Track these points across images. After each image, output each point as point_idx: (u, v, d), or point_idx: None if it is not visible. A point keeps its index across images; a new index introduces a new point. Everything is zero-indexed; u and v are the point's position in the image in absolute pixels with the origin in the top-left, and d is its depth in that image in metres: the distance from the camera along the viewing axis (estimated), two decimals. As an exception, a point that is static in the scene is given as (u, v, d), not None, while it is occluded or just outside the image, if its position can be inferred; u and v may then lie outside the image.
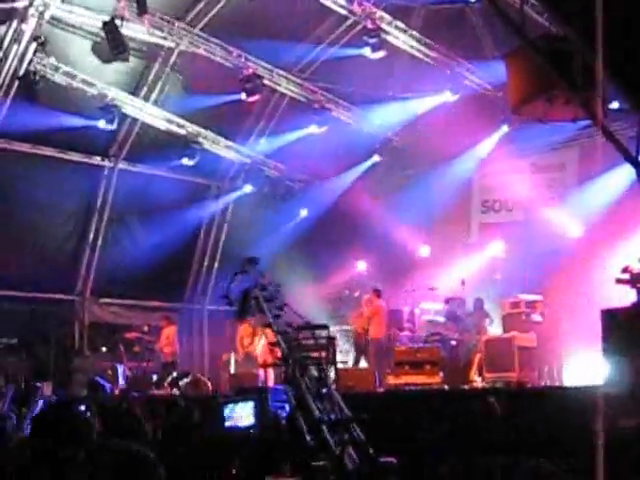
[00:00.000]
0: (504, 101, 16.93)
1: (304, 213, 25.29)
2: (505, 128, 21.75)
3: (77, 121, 20.77)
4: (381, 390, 16.32)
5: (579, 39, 10.36)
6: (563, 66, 10.55)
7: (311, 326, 12.52)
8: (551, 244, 20.00)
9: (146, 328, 21.70)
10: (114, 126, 21.19)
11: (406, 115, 22.47)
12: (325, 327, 11.97)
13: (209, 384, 19.26)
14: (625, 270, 12.49)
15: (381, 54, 19.46)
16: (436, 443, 11.64)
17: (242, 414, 12.64)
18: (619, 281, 12.47)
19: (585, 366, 16.23)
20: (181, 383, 18.93)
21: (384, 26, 19.60)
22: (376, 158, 24.23)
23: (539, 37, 11.41)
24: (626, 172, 15.09)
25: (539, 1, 12.53)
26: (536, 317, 16.60)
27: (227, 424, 12.55)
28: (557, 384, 15.56)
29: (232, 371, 20.17)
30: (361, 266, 23.45)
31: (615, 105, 13.39)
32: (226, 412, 12.63)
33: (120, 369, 20.05)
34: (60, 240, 22.80)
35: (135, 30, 19.32)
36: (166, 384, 19.34)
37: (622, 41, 10.05)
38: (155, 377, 20.45)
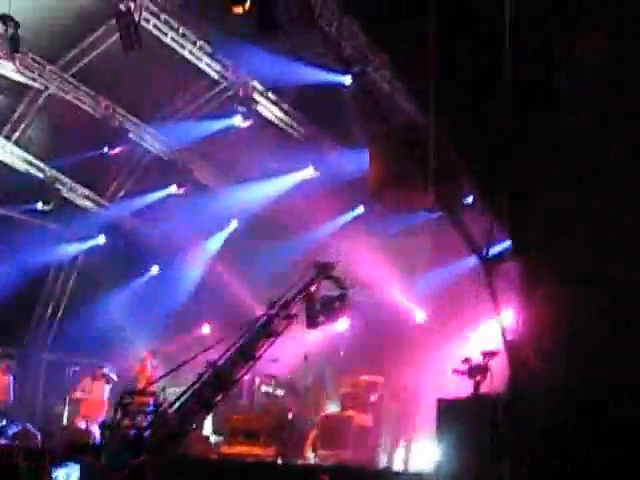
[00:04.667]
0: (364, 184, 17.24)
1: (155, 270, 25.01)
2: (361, 208, 22.12)
3: None
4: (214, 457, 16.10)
5: (439, 132, 10.71)
6: (422, 156, 10.86)
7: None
8: (396, 327, 20.31)
9: (-21, 373, 20.99)
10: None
11: (269, 191, 22.58)
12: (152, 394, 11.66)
13: (38, 436, 18.66)
14: (465, 361, 12.73)
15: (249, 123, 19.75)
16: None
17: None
18: (456, 371, 12.70)
19: (420, 452, 16.46)
20: (9, 432, 18.34)
21: (256, 96, 19.85)
22: (235, 224, 24.36)
23: (402, 125, 11.74)
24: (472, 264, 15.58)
25: (405, 87, 12.83)
26: (374, 397, 16.70)
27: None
28: (389, 466, 15.66)
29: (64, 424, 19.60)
30: (205, 330, 23.51)
31: (470, 199, 13.78)
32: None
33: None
34: None
35: (5, 67, 19.00)
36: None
37: (481, 139, 10.42)
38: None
